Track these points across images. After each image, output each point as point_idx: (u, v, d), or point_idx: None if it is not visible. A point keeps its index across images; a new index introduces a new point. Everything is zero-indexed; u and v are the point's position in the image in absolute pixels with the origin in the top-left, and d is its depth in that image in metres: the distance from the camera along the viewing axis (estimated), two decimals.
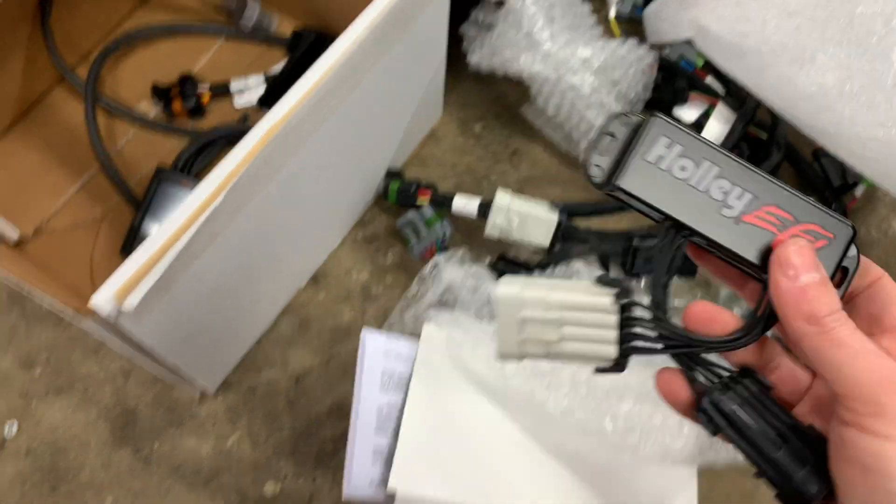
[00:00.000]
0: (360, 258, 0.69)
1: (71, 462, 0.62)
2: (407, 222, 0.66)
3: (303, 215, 0.59)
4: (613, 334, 0.29)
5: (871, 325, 0.27)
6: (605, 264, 0.60)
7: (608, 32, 0.76)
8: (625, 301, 0.30)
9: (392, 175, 0.69)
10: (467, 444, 0.50)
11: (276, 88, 0.72)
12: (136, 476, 0.61)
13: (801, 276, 0.26)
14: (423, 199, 0.66)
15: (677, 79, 0.72)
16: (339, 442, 0.62)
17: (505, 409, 0.51)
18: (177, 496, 0.61)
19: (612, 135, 0.30)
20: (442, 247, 0.66)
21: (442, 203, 0.65)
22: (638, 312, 0.30)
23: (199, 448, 0.62)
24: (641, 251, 0.59)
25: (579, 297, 0.30)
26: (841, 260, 0.29)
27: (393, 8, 0.50)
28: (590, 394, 0.50)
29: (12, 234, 0.65)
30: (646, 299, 0.30)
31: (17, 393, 0.64)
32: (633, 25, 0.77)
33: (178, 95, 0.72)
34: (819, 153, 0.70)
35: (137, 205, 0.66)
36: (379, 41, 0.51)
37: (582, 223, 0.63)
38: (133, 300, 0.42)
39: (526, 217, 0.60)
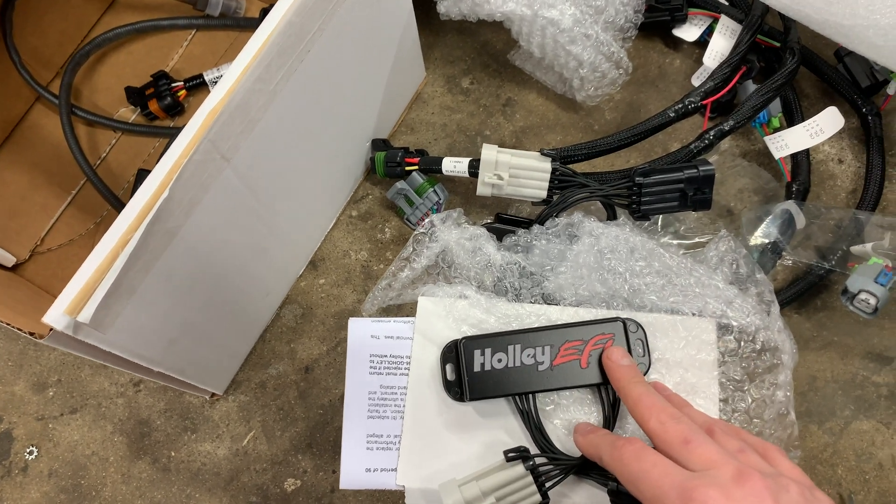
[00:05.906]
0: (357, 237, 0.66)
1: (93, 479, 0.61)
2: (397, 193, 0.63)
3: (281, 198, 0.56)
4: (534, 489, 0.42)
5: None
6: (610, 209, 0.55)
7: None
8: (530, 465, 0.42)
9: (378, 146, 0.65)
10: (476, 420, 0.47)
11: None
12: (156, 486, 0.60)
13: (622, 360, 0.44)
14: (412, 167, 0.62)
15: None
16: None
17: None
18: (199, 502, 0.59)
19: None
20: (438, 213, 0.62)
21: (431, 168, 0.61)
22: (538, 461, 0.43)
23: (215, 451, 0.61)
24: (646, 188, 0.54)
25: (501, 475, 0.42)
26: (628, 342, 0.45)
27: None
28: None
29: (7, 260, 0.64)
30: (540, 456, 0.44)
31: (34, 416, 0.63)
32: None
33: (153, 95, 0.69)
34: (841, 53, 0.63)
35: None
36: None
37: (580, 168, 0.58)
38: (88, 310, 0.40)
39: (517, 170, 0.56)
